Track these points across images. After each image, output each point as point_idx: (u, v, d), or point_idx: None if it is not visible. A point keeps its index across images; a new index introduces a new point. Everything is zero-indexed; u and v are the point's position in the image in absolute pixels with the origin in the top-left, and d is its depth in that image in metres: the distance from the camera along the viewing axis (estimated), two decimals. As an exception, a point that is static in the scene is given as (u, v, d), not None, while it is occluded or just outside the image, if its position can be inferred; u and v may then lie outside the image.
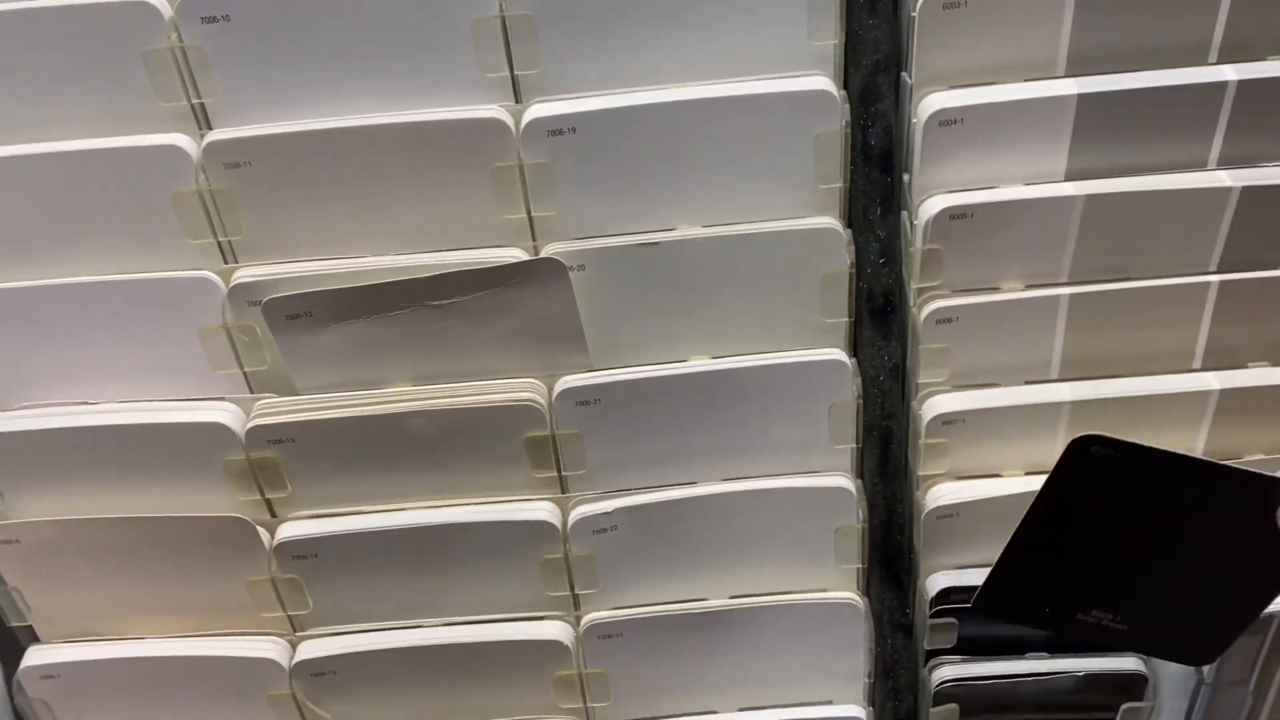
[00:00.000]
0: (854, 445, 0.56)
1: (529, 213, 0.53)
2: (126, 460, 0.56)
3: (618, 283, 0.53)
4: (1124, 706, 0.58)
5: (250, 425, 0.54)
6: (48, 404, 0.57)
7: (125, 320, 0.54)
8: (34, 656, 0.60)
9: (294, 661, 0.59)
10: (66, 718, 0.61)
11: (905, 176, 0.53)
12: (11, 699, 0.62)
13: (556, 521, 0.56)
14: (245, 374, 0.55)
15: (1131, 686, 0.58)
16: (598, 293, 0.53)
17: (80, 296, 0.54)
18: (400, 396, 0.55)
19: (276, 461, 0.55)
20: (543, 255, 0.52)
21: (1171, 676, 0.57)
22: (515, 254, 0.53)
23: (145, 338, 0.55)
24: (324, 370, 0.55)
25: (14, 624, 0.60)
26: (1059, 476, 0.42)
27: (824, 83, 0.50)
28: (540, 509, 0.56)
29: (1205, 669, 0.53)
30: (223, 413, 0.55)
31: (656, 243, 0.52)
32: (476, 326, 0.53)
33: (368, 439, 0.55)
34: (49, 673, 0.60)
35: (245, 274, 0.53)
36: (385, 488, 0.57)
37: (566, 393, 0.54)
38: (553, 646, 0.58)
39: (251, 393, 0.56)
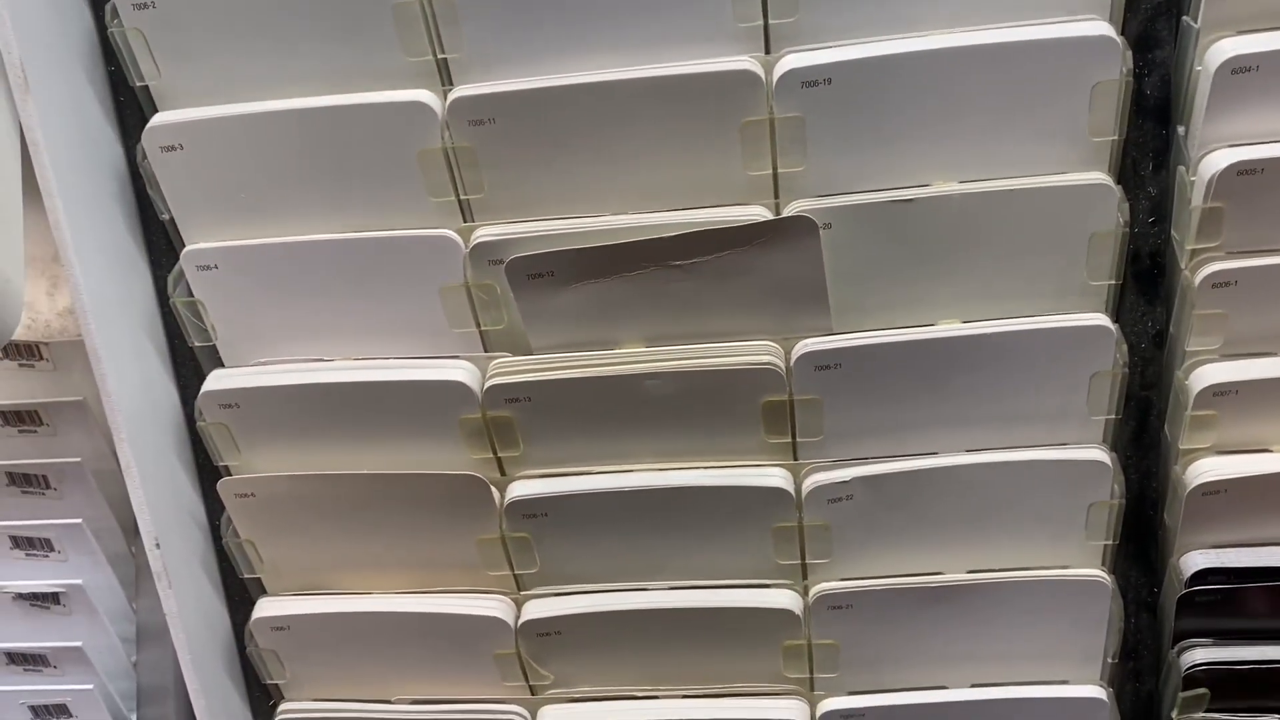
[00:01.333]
0: (1111, 416, 0.53)
1: (775, 168, 0.51)
2: (362, 417, 0.57)
3: (865, 242, 0.51)
4: (1399, 700, 0.54)
5: (489, 384, 0.54)
6: (286, 360, 0.57)
7: (365, 278, 0.55)
8: (265, 608, 0.62)
9: (520, 621, 0.59)
10: (294, 668, 0.63)
11: (1181, 129, 0.50)
12: (242, 649, 0.64)
13: (790, 488, 0.55)
14: (481, 333, 0.55)
15: None
16: (843, 252, 0.51)
17: (321, 254, 0.54)
18: (637, 357, 0.54)
19: (511, 420, 0.55)
20: (789, 213, 0.51)
21: None
22: (759, 212, 0.51)
23: (385, 295, 0.55)
24: (560, 330, 0.54)
25: (246, 576, 0.62)
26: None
27: (1104, 28, 0.47)
28: (774, 475, 0.55)
29: None
30: (461, 371, 0.55)
31: (911, 199, 0.50)
32: (717, 287, 0.52)
33: (602, 399, 0.54)
34: (279, 624, 0.61)
35: (486, 232, 0.53)
36: (616, 448, 0.56)
37: (806, 357, 0.53)
38: (782, 615, 0.57)
39: (485, 351, 0.56)
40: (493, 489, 0.56)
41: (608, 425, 0.55)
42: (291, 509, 0.59)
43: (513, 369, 0.54)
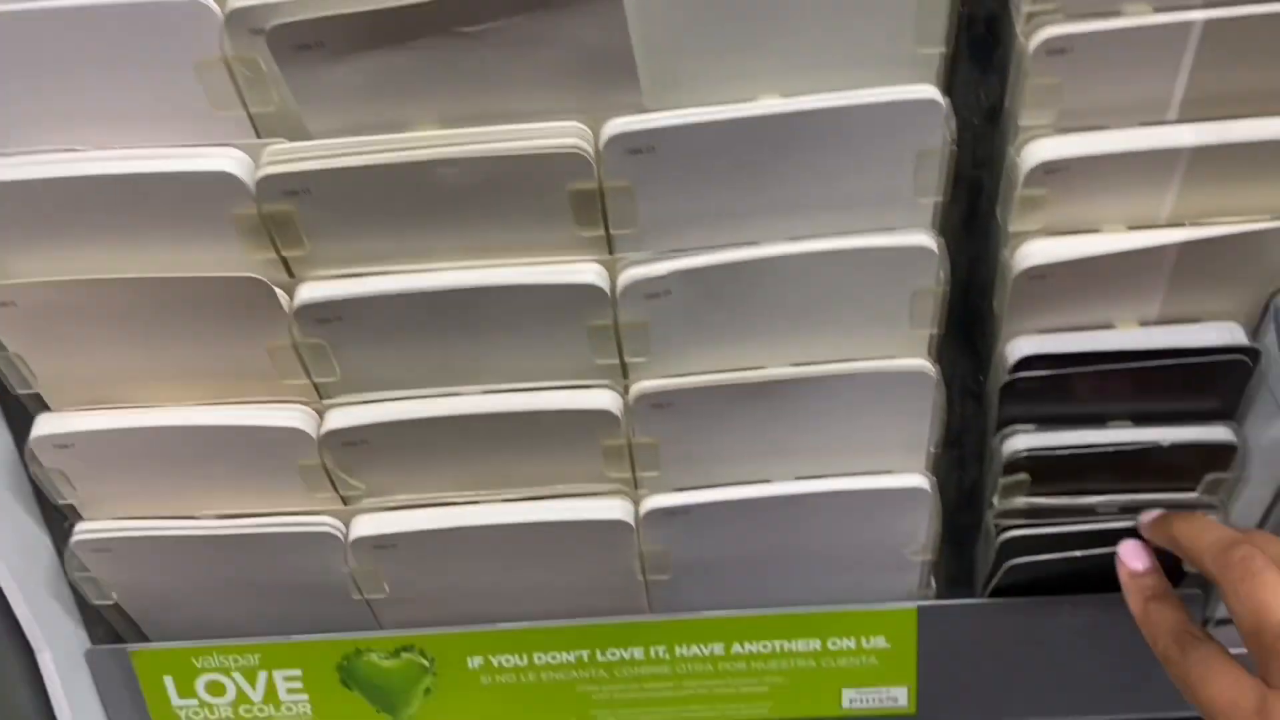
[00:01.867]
0: (938, 198, 0.50)
1: (573, -82, 0.44)
2: (125, 215, 0.50)
3: (674, 6, 0.46)
4: (1209, 477, 0.55)
5: (261, 174, 0.48)
6: (30, 151, 0.50)
7: (112, 53, 0.47)
8: (45, 425, 0.57)
9: (323, 431, 0.55)
10: (86, 488, 0.58)
11: (1022, -126, 0.45)
12: (28, 471, 0.59)
13: (604, 284, 0.51)
14: (251, 116, 0.49)
15: (1220, 456, 0.54)
16: (651, 18, 0.46)
17: (58, 24, 0.46)
18: (427, 142, 0.48)
19: (291, 215, 0.49)
20: (590, -29, 0.44)
21: (1263, 446, 0.53)
22: (557, -30, 0.45)
23: (136, 74, 0.47)
24: (340, 111, 0.48)
25: (20, 391, 0.56)
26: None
27: None
28: (587, 271, 0.51)
29: (1310, 440, 0.49)
30: (229, 160, 0.48)
31: (725, -43, 0.44)
32: (513, 58, 0.46)
33: (392, 190, 0.49)
34: (62, 442, 0.56)
35: (242, -6, 0.46)
36: (414, 245, 0.51)
37: (616, 139, 0.48)
38: (600, 415, 0.54)
39: (259, 138, 0.49)
40: (278, 291, 0.51)
41: (402, 219, 0.50)
42: (60, 318, 0.53)
43: (288, 157, 0.48)
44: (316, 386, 0.55)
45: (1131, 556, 0.53)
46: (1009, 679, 0.63)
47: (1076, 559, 0.57)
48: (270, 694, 0.65)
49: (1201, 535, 0.48)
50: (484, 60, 0.46)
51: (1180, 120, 0.48)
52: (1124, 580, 0.53)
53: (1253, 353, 0.51)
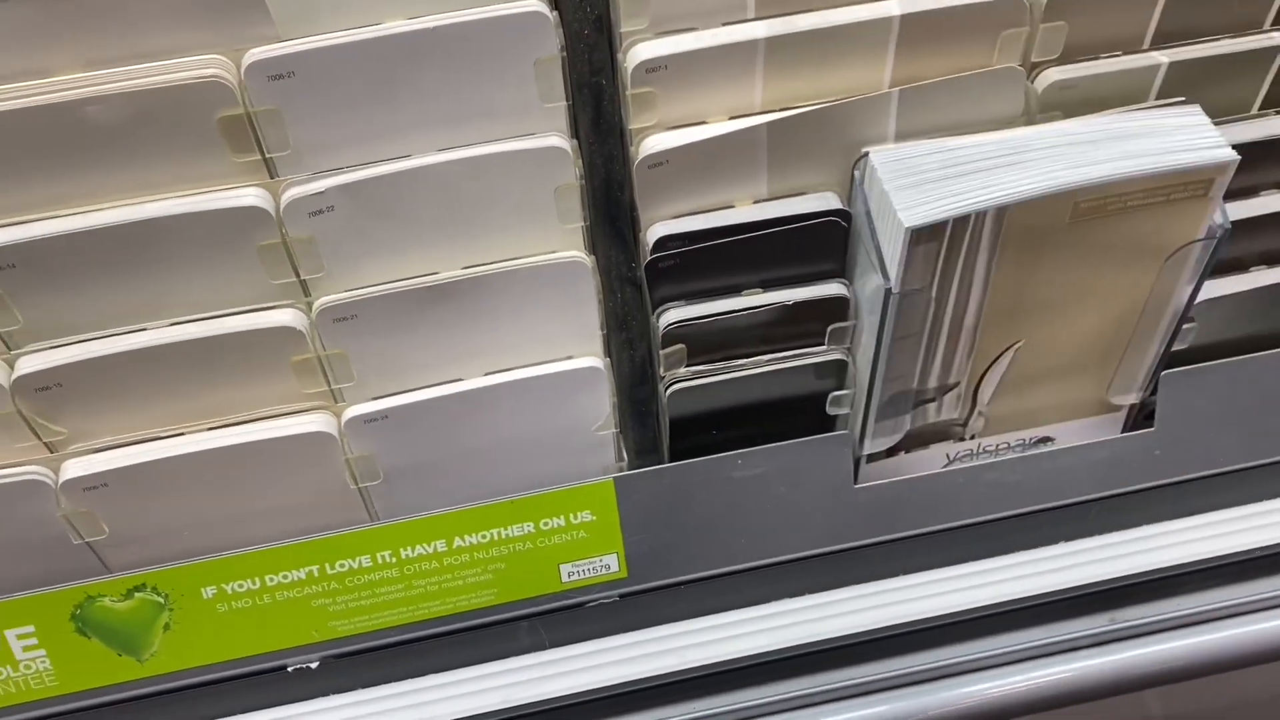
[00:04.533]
0: (564, 103, 0.56)
1: None
2: None
3: (294, -61, 0.50)
4: (831, 327, 0.64)
5: (-99, 126, 0.50)
6: None
7: None
8: None
9: (13, 377, 0.57)
10: None
11: None
12: None
13: (268, 206, 0.55)
14: (-116, 72, 0.50)
15: (836, 308, 0.63)
16: (274, -47, 0.50)
17: None
18: (70, 84, 0.50)
19: (-57, 167, 0.51)
20: (203, -89, 0.48)
21: (867, 295, 0.62)
22: (173, -89, 0.48)
23: None
24: (-23, 60, 0.50)
25: None
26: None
27: None
28: (248, 194, 0.55)
29: (891, 280, 0.58)
30: None
31: (328, -109, 0.49)
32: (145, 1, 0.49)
33: (44, 135, 0.51)
34: None
35: None
36: (77, 189, 0.54)
37: (255, 66, 0.52)
38: (284, 332, 0.58)
39: (-102, 93, 0.51)
40: (-59, 243, 0.53)
41: (57, 163, 0.52)
42: None
43: (-71, 108, 0.50)
44: (2, 338, 0.57)
45: None
46: (702, 533, 0.70)
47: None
48: (4, 654, 0.65)
49: None
50: (116, 4, 0.49)
51: (757, 18, 0.56)
52: None
53: (844, 214, 0.61)
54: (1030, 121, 0.61)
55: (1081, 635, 0.75)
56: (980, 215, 0.56)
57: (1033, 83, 0.60)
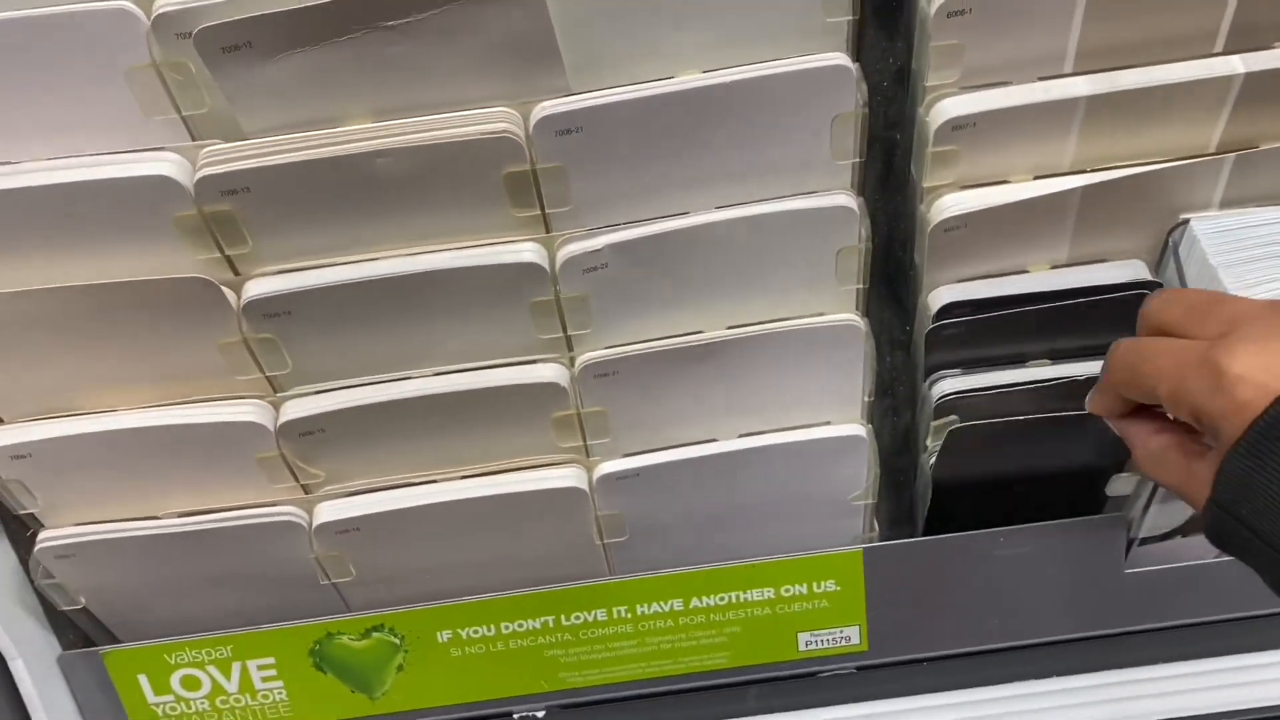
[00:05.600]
0: (856, 160, 0.52)
1: (488, -89, 0.46)
2: (66, 225, 0.51)
3: (594, -11, 0.47)
4: (1123, 407, 0.58)
5: (199, 176, 0.49)
6: (-36, 168, 0.51)
7: (43, 65, 0.48)
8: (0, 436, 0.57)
9: (279, 423, 0.56)
10: (46, 497, 0.59)
11: None
12: (-13, 481, 0.59)
13: (544, 262, 0.53)
14: (185, 119, 0.50)
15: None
16: (572, 3, 0.47)
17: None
18: (361, 135, 0.49)
19: (233, 214, 0.51)
20: (508, -40, 0.46)
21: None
22: (476, -39, 0.46)
23: (65, 84, 0.48)
24: (273, 109, 0.49)
25: (-28, 406, 0.57)
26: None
27: None
28: (526, 250, 0.53)
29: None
30: (166, 164, 0.49)
31: (638, -59, 0.46)
32: (439, 49, 0.48)
33: (330, 184, 0.50)
34: (19, 452, 0.57)
35: (168, 1, 0.46)
36: (356, 237, 0.52)
37: (545, 121, 0.49)
38: (548, 388, 0.56)
39: (193, 140, 0.50)
40: (224, 290, 0.52)
41: (343, 212, 0.51)
42: (6, 331, 0.54)
43: (224, 157, 0.49)
44: (270, 380, 0.56)
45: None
46: (952, 609, 0.66)
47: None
48: (245, 684, 0.66)
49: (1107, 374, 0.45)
50: (410, 53, 0.48)
51: (1076, 72, 0.51)
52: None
53: (1155, 286, 0.55)
54: (1377, 188, 0.54)
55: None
56: (1326, 299, 0.50)
57: (1384, 145, 0.53)
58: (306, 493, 0.60)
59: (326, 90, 0.49)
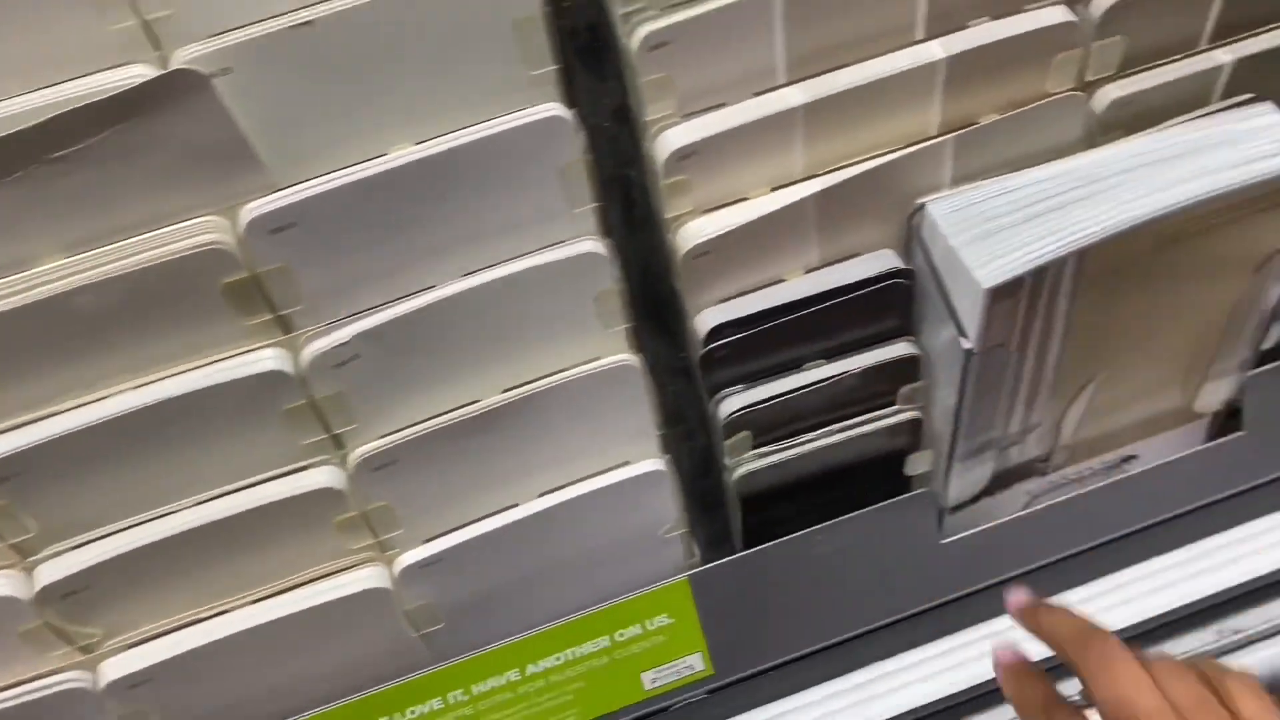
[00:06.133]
0: (593, 204, 0.51)
1: (141, 15, 0.42)
2: None
3: (278, 78, 0.44)
4: (904, 389, 0.59)
5: (-128, 354, 0.44)
6: None
7: None
8: None
9: (36, 589, 0.51)
10: None
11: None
12: None
13: (287, 367, 0.50)
14: None
15: (906, 369, 0.59)
16: (260, 97, 0.44)
17: None
18: (55, 274, 0.45)
19: (-75, 386, 0.46)
20: (173, 66, 0.43)
21: (939, 348, 0.58)
22: (140, 72, 0.43)
23: None
24: (-53, 264, 0.44)
25: None
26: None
27: None
28: (265, 358, 0.49)
29: (971, 340, 0.53)
30: None
31: (310, 21, 0.43)
32: (121, 171, 0.44)
33: (33, 333, 0.46)
34: None
35: None
36: (79, 378, 0.48)
37: (254, 224, 0.46)
38: (322, 495, 0.53)
39: None
40: (-65, 466, 0.47)
41: (56, 356, 0.47)
42: None
43: (-96, 325, 0.44)
44: (16, 547, 0.51)
45: (999, 648, 0.48)
46: (787, 614, 0.66)
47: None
48: None
49: (1061, 625, 0.45)
50: (91, 180, 0.44)
51: (789, 82, 0.51)
52: (996, 672, 0.48)
53: (907, 273, 0.56)
54: (1092, 144, 0.56)
55: (1189, 652, 0.71)
56: (1059, 261, 0.52)
57: (1089, 102, 0.55)
58: (88, 653, 0.55)
59: (11, 233, 0.44)
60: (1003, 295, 0.52)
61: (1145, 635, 0.70)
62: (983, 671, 0.69)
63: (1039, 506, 0.68)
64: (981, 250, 0.52)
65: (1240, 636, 0.71)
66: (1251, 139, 0.54)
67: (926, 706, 0.67)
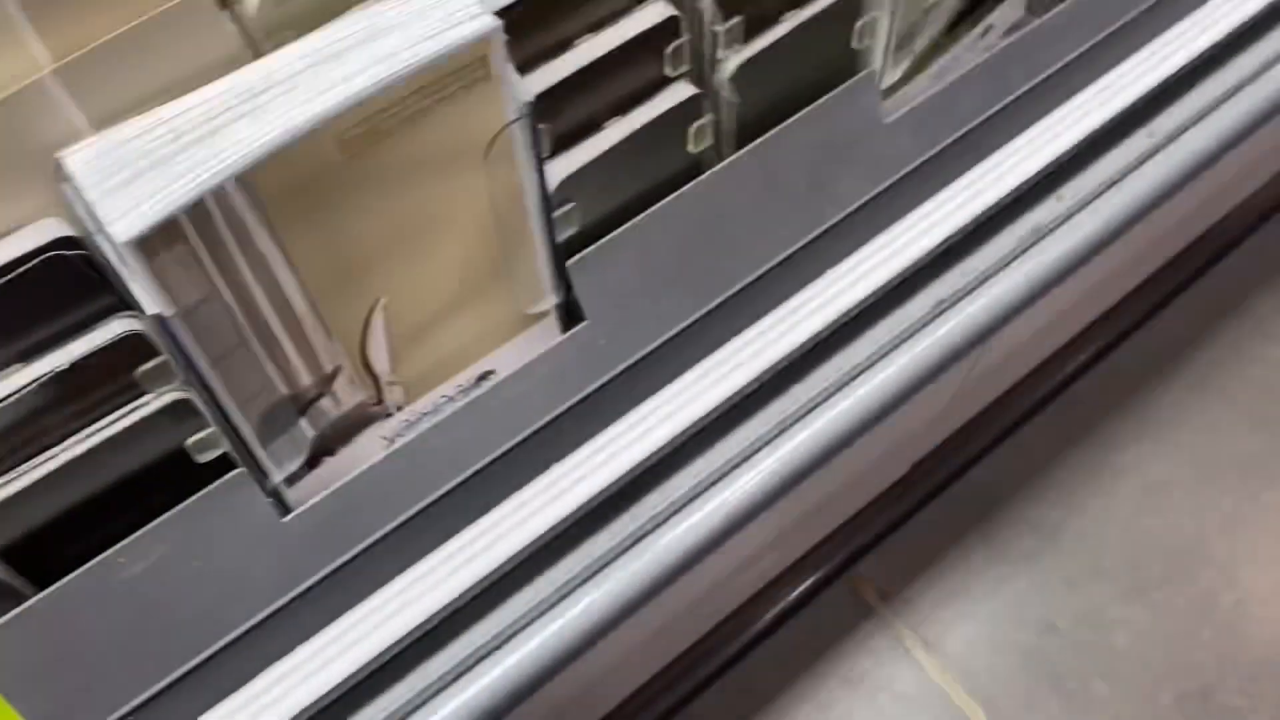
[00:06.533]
0: None
1: None
2: None
3: None
4: (140, 370, 0.51)
5: None
6: None
7: None
8: None
9: None
10: None
11: None
12: None
13: None
14: None
15: (140, 350, 0.50)
16: None
17: None
18: None
19: None
20: None
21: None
22: None
23: None
24: None
25: None
26: None
27: None
28: None
29: (152, 306, 0.46)
30: None
31: None
32: None
33: None
34: None
35: None
36: None
37: None
38: None
39: None
40: None
41: None
42: None
43: None
44: None
45: None
46: (122, 653, 0.57)
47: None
48: None
49: None
50: None
51: None
52: None
53: (75, 243, 0.47)
54: (259, 54, 0.49)
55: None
56: (217, 194, 0.45)
57: (240, 6, 0.48)
58: None
59: None
60: (160, 245, 0.44)
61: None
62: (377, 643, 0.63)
63: (395, 447, 0.62)
64: (123, 199, 0.44)
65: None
66: (427, 18, 0.49)
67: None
